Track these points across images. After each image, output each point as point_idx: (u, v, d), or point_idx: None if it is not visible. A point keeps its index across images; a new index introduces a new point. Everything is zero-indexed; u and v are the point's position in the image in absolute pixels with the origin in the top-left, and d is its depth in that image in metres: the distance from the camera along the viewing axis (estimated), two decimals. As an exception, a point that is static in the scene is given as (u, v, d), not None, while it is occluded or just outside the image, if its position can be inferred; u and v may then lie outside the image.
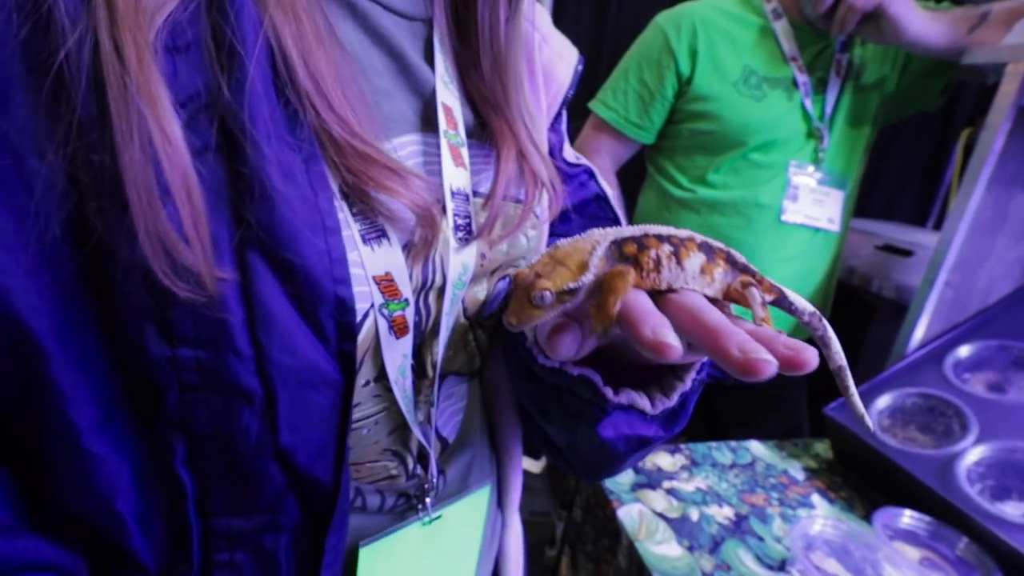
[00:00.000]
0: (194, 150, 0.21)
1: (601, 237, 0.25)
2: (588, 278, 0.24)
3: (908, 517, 0.72)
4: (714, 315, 0.23)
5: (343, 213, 0.26)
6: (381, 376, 0.31)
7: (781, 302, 0.29)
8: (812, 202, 0.99)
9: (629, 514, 0.74)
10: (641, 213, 1.15)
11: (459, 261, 0.32)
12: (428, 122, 0.32)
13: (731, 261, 0.27)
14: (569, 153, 0.49)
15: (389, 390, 0.31)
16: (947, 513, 0.71)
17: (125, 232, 0.20)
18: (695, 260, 0.26)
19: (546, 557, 0.93)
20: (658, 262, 0.25)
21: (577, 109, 1.08)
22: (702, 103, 0.98)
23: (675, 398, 0.30)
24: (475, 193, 0.35)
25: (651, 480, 0.82)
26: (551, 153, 0.45)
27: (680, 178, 1.05)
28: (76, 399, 0.22)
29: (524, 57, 0.37)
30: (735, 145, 0.98)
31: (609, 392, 0.30)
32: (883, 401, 0.87)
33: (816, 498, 0.82)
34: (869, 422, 0.29)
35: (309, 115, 0.24)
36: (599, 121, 1.07)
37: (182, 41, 0.22)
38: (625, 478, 0.81)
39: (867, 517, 0.76)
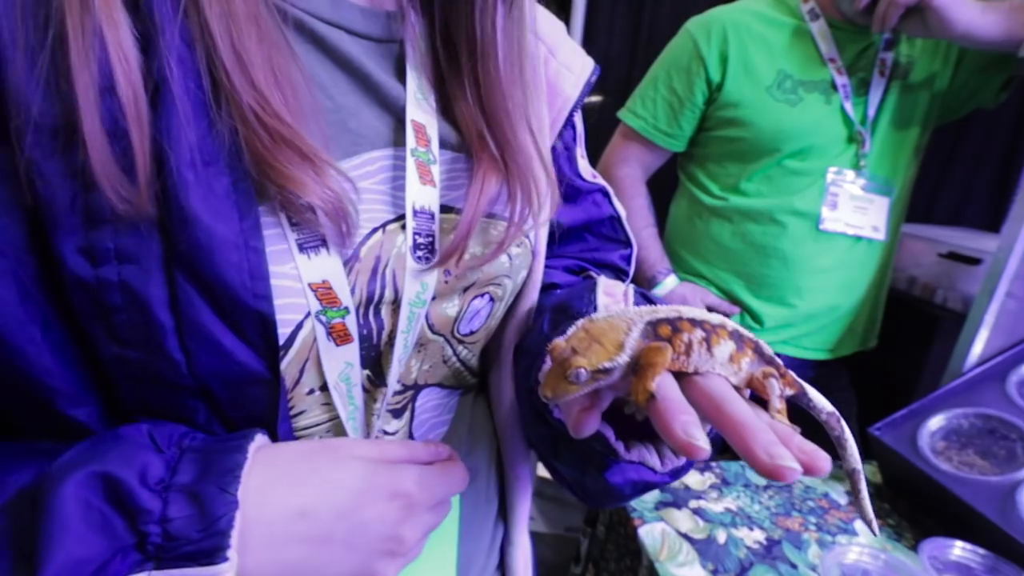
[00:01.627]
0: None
1: (637, 317, 0.26)
2: (623, 359, 0.25)
3: (960, 549, 0.66)
4: (740, 407, 0.24)
5: (280, 227, 0.27)
6: (325, 385, 0.32)
7: (800, 397, 0.30)
8: (853, 209, 0.94)
9: (651, 533, 0.72)
10: (672, 222, 1.12)
11: (417, 279, 0.32)
12: (402, 138, 0.33)
13: (759, 351, 0.28)
14: (586, 170, 0.48)
15: None
16: (1006, 547, 0.64)
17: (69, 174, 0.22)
18: (725, 348, 0.27)
19: (570, 575, 0.92)
20: (689, 346, 0.26)
21: (611, 119, 1.08)
22: (733, 110, 0.95)
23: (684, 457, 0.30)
24: (451, 209, 0.35)
25: (677, 498, 0.79)
26: (556, 170, 0.43)
27: (712, 186, 1.02)
28: (55, 382, 0.25)
29: (529, 72, 0.36)
30: (769, 152, 0.95)
31: (621, 448, 0.32)
32: (936, 422, 0.80)
33: (859, 524, 0.77)
34: (876, 527, 0.30)
35: (225, 90, 0.25)
36: (628, 130, 1.06)
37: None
38: (649, 495, 0.79)
39: (916, 548, 0.70)
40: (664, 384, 0.25)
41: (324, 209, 0.27)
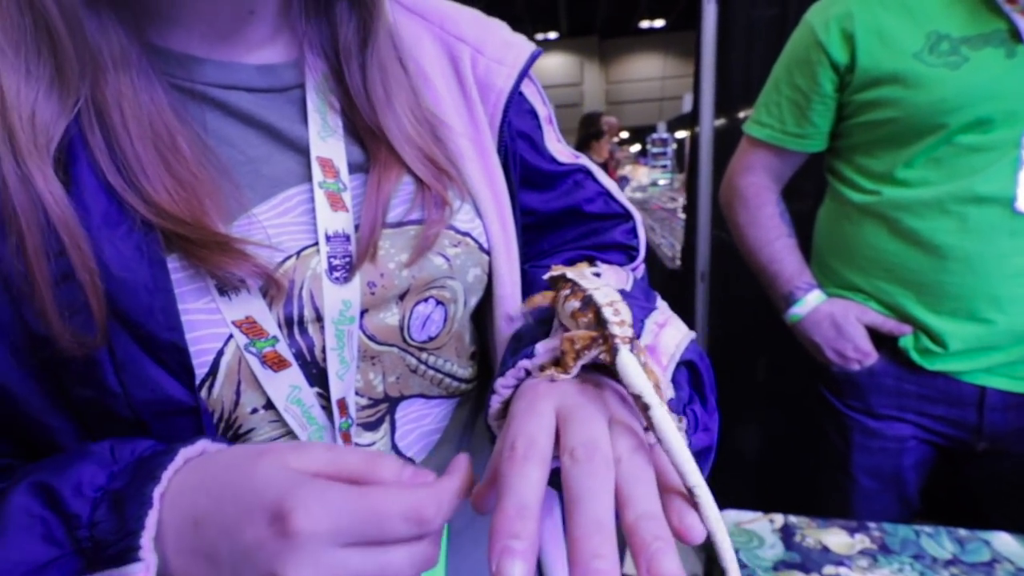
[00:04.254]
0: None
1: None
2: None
3: None
4: (590, 510, 0.22)
5: (196, 269, 0.31)
6: (271, 404, 0.34)
7: (615, 374, 0.28)
8: (1071, 184, 0.69)
9: (762, 597, 0.59)
10: (819, 229, 0.95)
11: (337, 298, 0.34)
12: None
13: (599, 316, 0.29)
14: (561, 153, 0.47)
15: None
16: None
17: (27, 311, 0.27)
18: (572, 305, 0.31)
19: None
20: (556, 299, 0.35)
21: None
22: (875, 88, 0.79)
23: None
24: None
25: (806, 560, 0.63)
26: (514, 160, 0.44)
27: (861, 180, 0.85)
28: (52, 421, 0.30)
29: (402, 85, 0.39)
30: (932, 129, 0.76)
31: None
32: None
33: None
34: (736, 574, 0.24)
35: (139, 214, 0.29)
36: (754, 139, 0.95)
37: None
38: (769, 550, 0.65)
39: None
40: (516, 478, 0.23)
41: (251, 280, 0.31)
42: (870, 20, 0.79)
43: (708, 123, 1.56)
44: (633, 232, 0.49)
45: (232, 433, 0.35)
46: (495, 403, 0.32)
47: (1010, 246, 0.72)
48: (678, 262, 2.09)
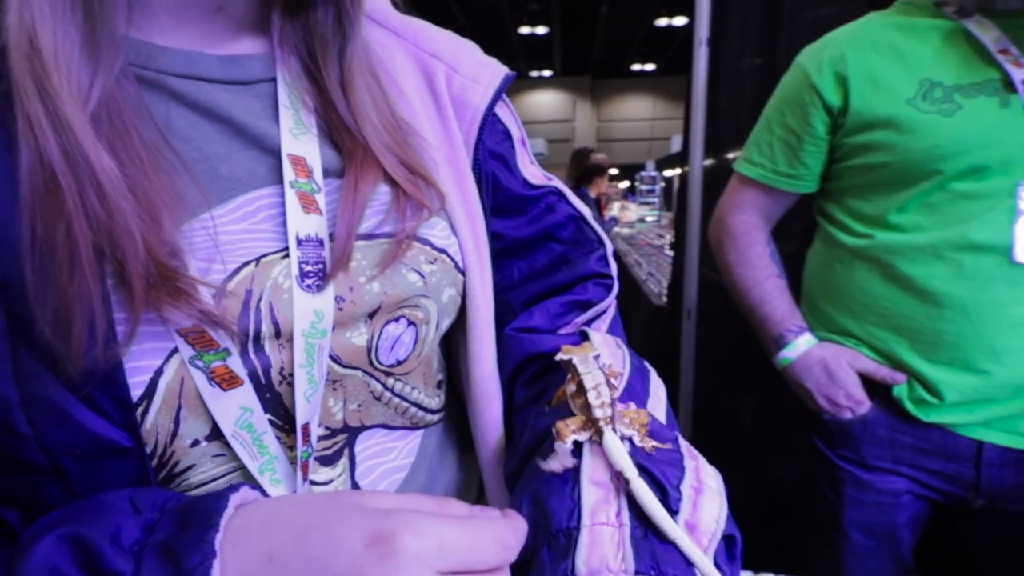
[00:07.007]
0: None
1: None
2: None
3: None
4: None
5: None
6: (218, 434, 0.30)
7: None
8: (1067, 234, 0.68)
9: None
10: (809, 270, 0.93)
11: (308, 308, 0.31)
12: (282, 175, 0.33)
13: (586, 405, 0.32)
14: (533, 176, 0.45)
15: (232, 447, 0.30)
16: None
17: None
18: (569, 387, 0.34)
19: None
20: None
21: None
22: (868, 132, 0.79)
23: None
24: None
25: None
26: (487, 181, 0.42)
27: (852, 223, 0.84)
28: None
29: (379, 93, 0.37)
30: (926, 175, 0.75)
31: None
32: None
33: None
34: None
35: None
36: (745, 178, 0.94)
37: None
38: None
39: None
40: None
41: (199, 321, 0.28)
42: (863, 64, 0.79)
43: (698, 162, 1.57)
44: (606, 260, 0.47)
45: (165, 473, 0.30)
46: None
47: (1008, 296, 0.70)
48: (664, 298, 2.08)
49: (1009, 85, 0.71)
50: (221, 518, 0.24)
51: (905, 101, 0.75)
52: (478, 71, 0.41)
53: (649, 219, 5.13)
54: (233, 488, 0.26)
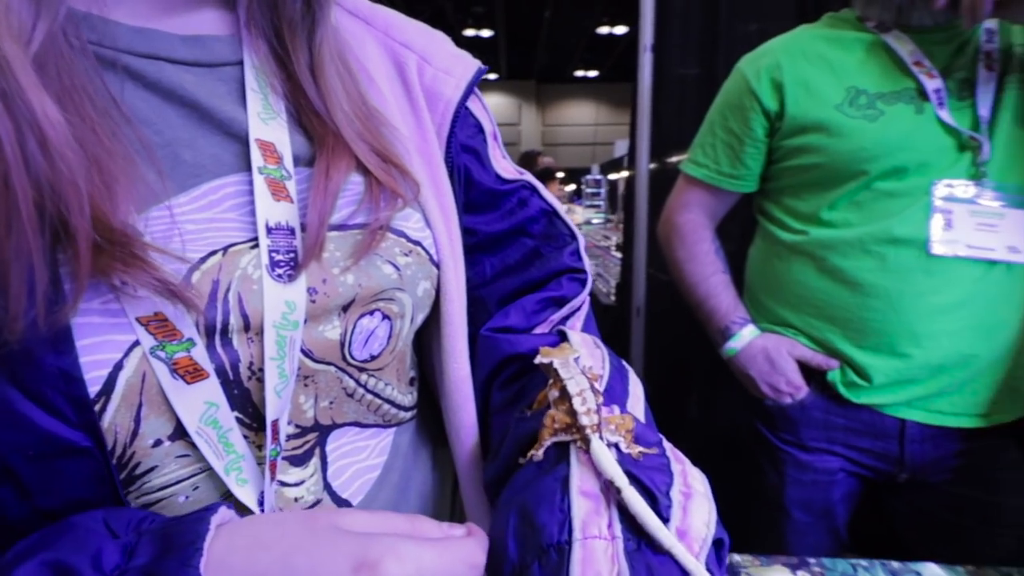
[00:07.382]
0: None
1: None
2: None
3: None
4: None
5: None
6: (181, 433, 0.29)
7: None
8: (976, 228, 0.75)
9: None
10: (751, 266, 0.99)
11: (279, 298, 0.30)
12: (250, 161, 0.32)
13: (571, 411, 0.31)
14: (506, 170, 0.45)
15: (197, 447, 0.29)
16: None
17: None
18: (552, 394, 0.33)
19: None
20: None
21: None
22: (802, 135, 0.85)
23: None
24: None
25: (753, 599, 0.62)
26: (459, 174, 0.41)
27: (788, 220, 0.89)
28: None
29: (350, 80, 0.36)
30: (853, 175, 0.81)
31: None
32: None
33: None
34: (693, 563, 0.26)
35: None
36: (690, 178, 0.99)
37: None
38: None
39: None
40: None
41: (157, 293, 0.26)
42: (797, 72, 0.84)
43: (644, 166, 1.63)
44: (579, 254, 0.47)
45: (125, 475, 0.28)
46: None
47: (926, 285, 0.77)
48: (612, 297, 2.13)
49: (923, 94, 0.78)
50: (204, 541, 0.23)
51: (834, 107, 0.82)
52: (451, 63, 0.41)
53: (595, 221, 5.23)
54: (211, 509, 0.25)
